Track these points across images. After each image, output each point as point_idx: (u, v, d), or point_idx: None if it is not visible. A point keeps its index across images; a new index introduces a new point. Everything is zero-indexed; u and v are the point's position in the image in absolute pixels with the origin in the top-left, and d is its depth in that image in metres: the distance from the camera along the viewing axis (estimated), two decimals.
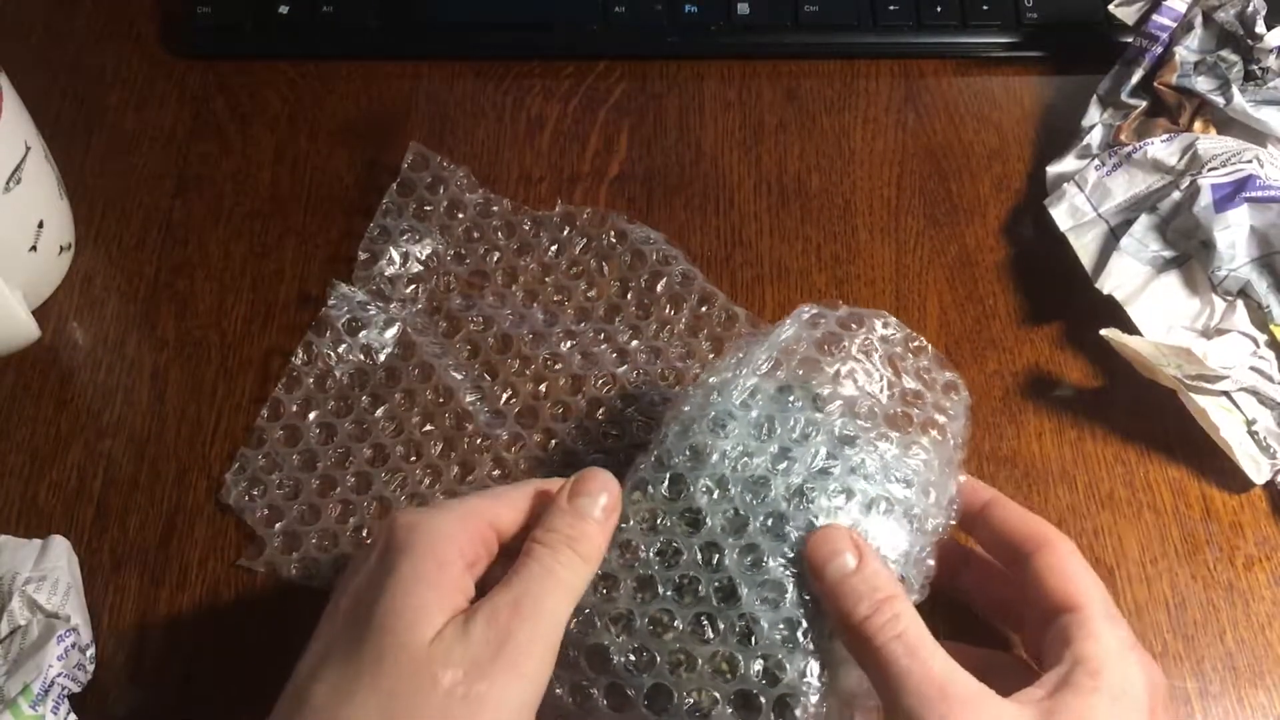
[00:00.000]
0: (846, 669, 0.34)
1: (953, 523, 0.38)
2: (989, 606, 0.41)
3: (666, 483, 0.36)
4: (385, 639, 0.31)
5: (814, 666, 0.34)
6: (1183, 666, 0.42)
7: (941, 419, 0.39)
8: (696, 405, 0.38)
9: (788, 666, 0.33)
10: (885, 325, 0.40)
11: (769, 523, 0.35)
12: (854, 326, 0.40)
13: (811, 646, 0.34)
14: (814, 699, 0.33)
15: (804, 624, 0.34)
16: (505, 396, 0.47)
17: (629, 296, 0.49)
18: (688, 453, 0.37)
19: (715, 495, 0.36)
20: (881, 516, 0.36)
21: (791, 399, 0.38)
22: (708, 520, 0.35)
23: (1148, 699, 0.33)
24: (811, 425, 0.37)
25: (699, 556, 0.35)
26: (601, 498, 0.35)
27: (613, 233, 0.51)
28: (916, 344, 0.41)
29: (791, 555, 0.35)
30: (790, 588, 0.34)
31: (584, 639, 0.35)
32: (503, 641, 0.31)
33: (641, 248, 0.50)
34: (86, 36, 0.58)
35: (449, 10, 0.57)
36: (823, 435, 0.37)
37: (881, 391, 0.39)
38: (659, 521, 0.36)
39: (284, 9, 0.56)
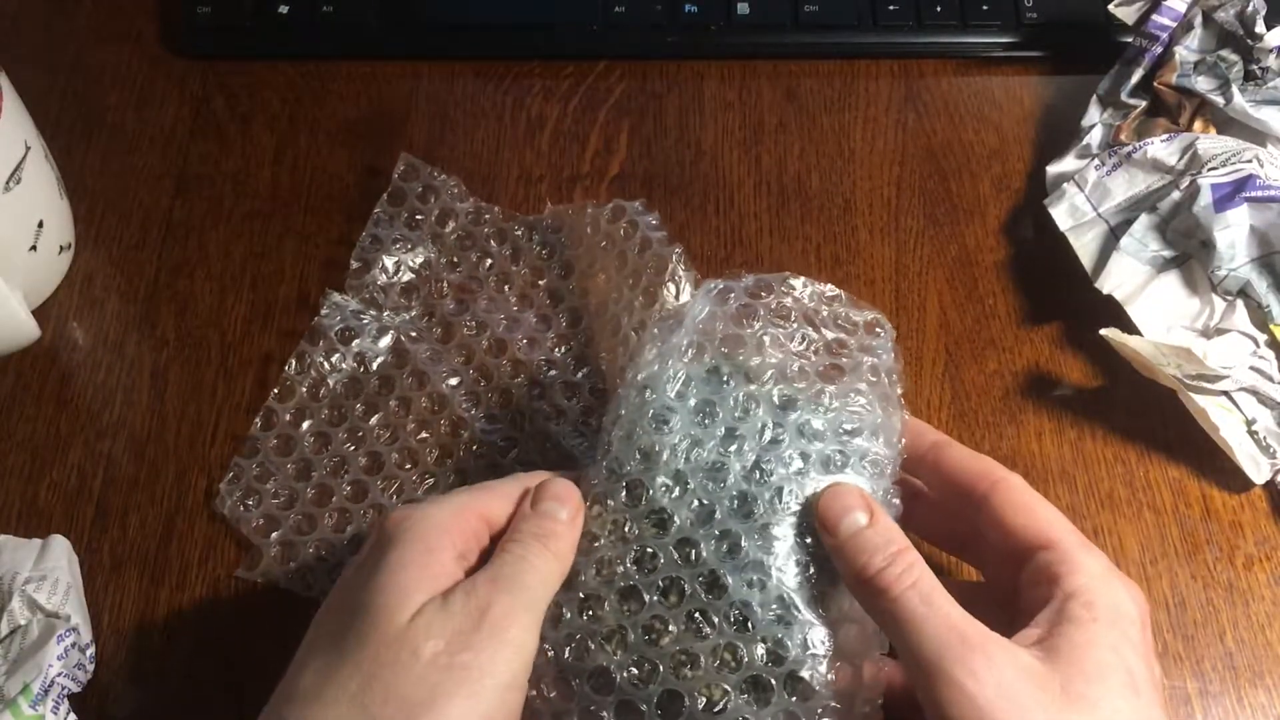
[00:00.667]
0: (845, 628, 0.35)
1: (904, 457, 0.38)
2: (941, 544, 0.41)
3: (624, 491, 0.36)
4: (366, 622, 0.31)
5: (814, 635, 0.34)
6: (1183, 666, 0.42)
7: (871, 360, 0.39)
8: (633, 406, 0.38)
9: (789, 642, 0.34)
10: (793, 286, 0.40)
11: (735, 505, 0.35)
12: (764, 294, 0.40)
13: (807, 617, 0.34)
14: (822, 667, 0.34)
15: (794, 597, 0.34)
16: (500, 401, 0.47)
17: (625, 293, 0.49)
18: (637, 456, 0.37)
19: (676, 492, 0.36)
20: (840, 471, 0.36)
21: (724, 378, 0.38)
22: (675, 518, 0.35)
23: (1139, 617, 0.34)
24: (750, 400, 0.37)
25: (676, 555, 0.35)
26: (567, 503, 0.36)
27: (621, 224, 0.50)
28: (830, 294, 0.40)
29: (765, 533, 0.35)
30: (772, 565, 0.34)
31: (582, 664, 0.34)
32: (484, 610, 0.31)
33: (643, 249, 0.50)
34: (86, 36, 0.58)
35: (449, 10, 0.57)
36: (763, 407, 0.37)
37: (807, 349, 0.39)
38: (627, 530, 0.36)
39: (284, 9, 0.56)
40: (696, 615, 0.34)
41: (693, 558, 0.35)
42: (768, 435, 0.36)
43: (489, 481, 0.37)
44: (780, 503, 0.35)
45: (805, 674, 0.33)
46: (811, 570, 0.35)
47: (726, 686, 0.34)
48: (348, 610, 0.32)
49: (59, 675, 0.39)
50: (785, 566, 0.35)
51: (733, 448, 0.36)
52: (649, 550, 0.35)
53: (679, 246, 0.47)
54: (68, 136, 0.55)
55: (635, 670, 0.34)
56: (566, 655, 0.34)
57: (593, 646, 0.34)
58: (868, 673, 0.35)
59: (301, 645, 0.33)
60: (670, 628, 0.34)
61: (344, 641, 0.31)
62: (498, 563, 0.34)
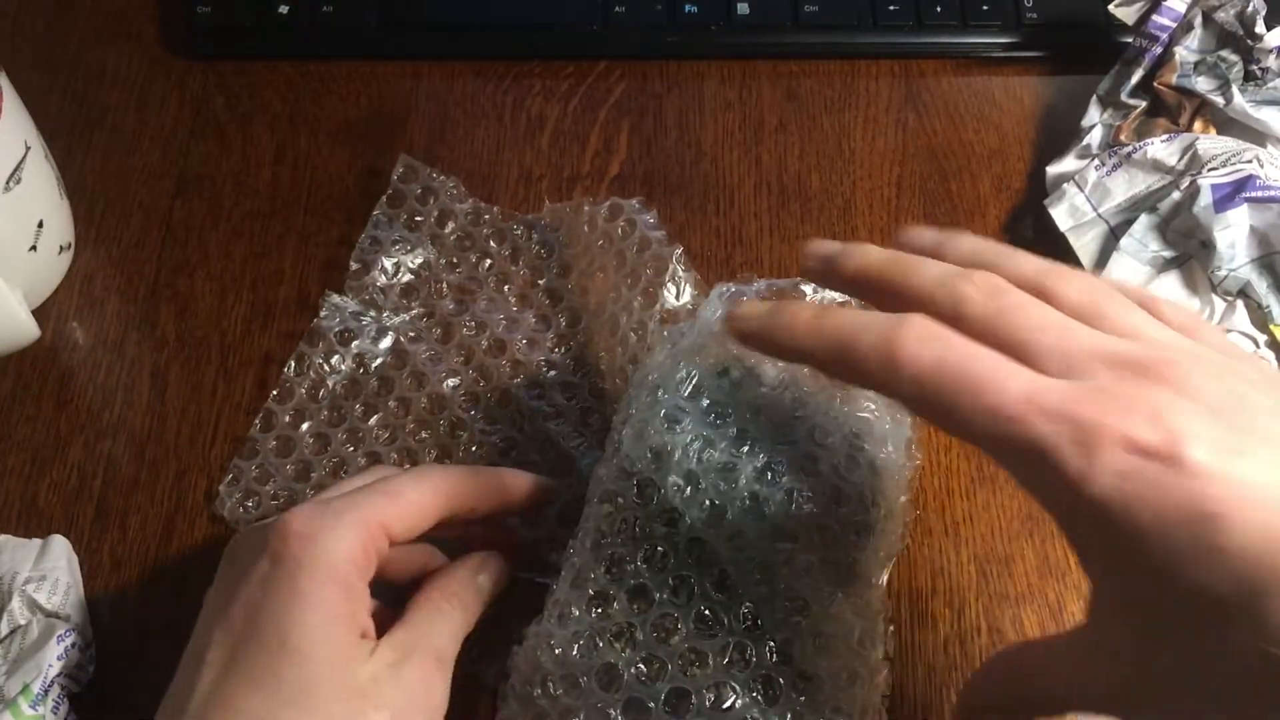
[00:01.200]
0: (854, 630, 0.34)
1: (917, 463, 0.38)
2: None
3: (635, 489, 0.36)
4: (312, 670, 0.31)
5: (823, 635, 0.34)
6: None
7: None
8: (644, 405, 0.38)
9: (798, 642, 0.34)
10: (804, 292, 0.40)
11: (746, 505, 0.35)
12: (775, 299, 0.40)
13: (816, 617, 0.34)
14: (830, 667, 0.34)
15: (804, 597, 0.34)
16: (499, 402, 0.47)
17: (623, 293, 0.49)
18: (649, 455, 0.37)
19: (687, 492, 0.36)
20: (850, 474, 0.36)
21: (734, 380, 0.38)
22: (686, 517, 0.35)
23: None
24: (761, 402, 0.37)
25: (687, 555, 0.35)
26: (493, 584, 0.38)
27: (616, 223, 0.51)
28: (839, 301, 0.41)
29: (777, 533, 0.35)
30: (782, 565, 0.34)
31: (589, 662, 0.34)
32: (429, 695, 0.33)
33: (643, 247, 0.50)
34: (86, 36, 0.58)
35: (449, 10, 0.57)
36: (774, 410, 0.37)
37: None
38: (637, 529, 0.36)
39: (284, 9, 0.56)
40: (706, 614, 0.34)
41: (703, 557, 0.35)
42: (779, 438, 0.37)
43: (400, 480, 0.36)
44: (791, 504, 0.35)
45: (814, 674, 0.34)
46: (821, 571, 0.35)
47: (735, 685, 0.34)
48: (270, 643, 0.31)
49: (59, 675, 0.39)
50: (795, 567, 0.35)
51: (744, 449, 0.36)
52: (659, 549, 0.35)
53: (679, 246, 0.47)
54: (68, 136, 0.55)
55: (644, 667, 0.34)
56: (574, 653, 0.34)
57: (601, 644, 0.34)
58: (875, 674, 0.35)
59: (201, 660, 0.32)
60: (680, 626, 0.34)
61: (279, 685, 0.31)
62: (440, 628, 0.35)
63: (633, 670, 0.34)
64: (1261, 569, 0.23)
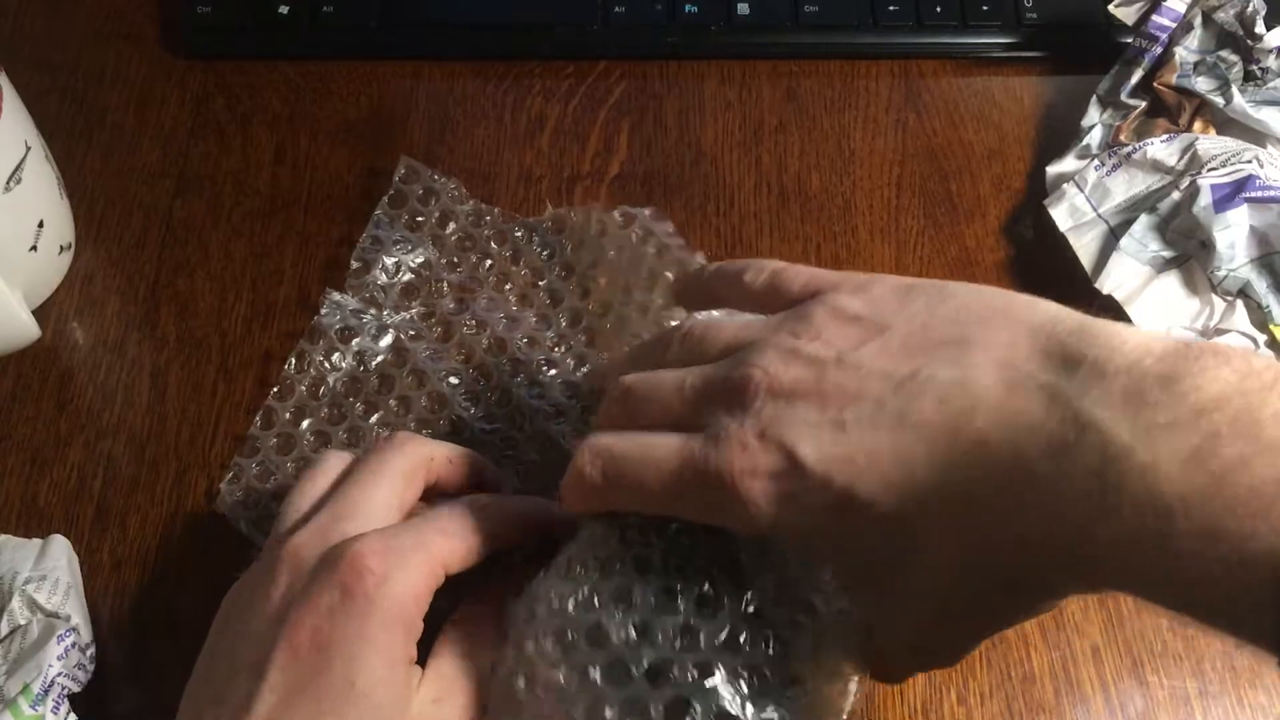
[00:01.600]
0: (843, 626, 0.34)
1: None
2: None
3: None
4: (372, 713, 0.31)
5: (821, 633, 0.34)
6: (1183, 666, 0.42)
7: None
8: None
9: (793, 641, 0.33)
10: None
11: None
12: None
13: (812, 614, 0.34)
14: (820, 663, 0.34)
15: (809, 599, 0.34)
16: (499, 401, 0.47)
17: (624, 296, 0.49)
18: None
19: None
20: None
21: None
22: None
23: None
24: None
25: (702, 534, 0.35)
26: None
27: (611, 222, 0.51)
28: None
29: None
30: (795, 559, 0.34)
31: (583, 619, 0.34)
32: None
33: (639, 247, 0.50)
34: (86, 36, 0.58)
35: (449, 10, 0.57)
36: None
37: None
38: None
39: (284, 9, 0.56)
40: (709, 593, 0.34)
41: (719, 538, 0.35)
42: None
43: (455, 519, 0.36)
44: None
45: (806, 669, 0.33)
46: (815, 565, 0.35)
47: (722, 667, 0.33)
48: (338, 680, 0.32)
49: (59, 675, 0.39)
50: (798, 560, 0.34)
51: None
52: (674, 524, 0.35)
53: (700, 253, 0.47)
54: (68, 136, 0.55)
55: (634, 633, 0.34)
56: (570, 608, 0.34)
57: (597, 603, 0.34)
58: (849, 681, 0.35)
59: (267, 682, 0.32)
60: (680, 599, 0.34)
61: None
62: (464, 664, 0.36)
63: (622, 634, 0.34)
64: (904, 530, 0.29)
